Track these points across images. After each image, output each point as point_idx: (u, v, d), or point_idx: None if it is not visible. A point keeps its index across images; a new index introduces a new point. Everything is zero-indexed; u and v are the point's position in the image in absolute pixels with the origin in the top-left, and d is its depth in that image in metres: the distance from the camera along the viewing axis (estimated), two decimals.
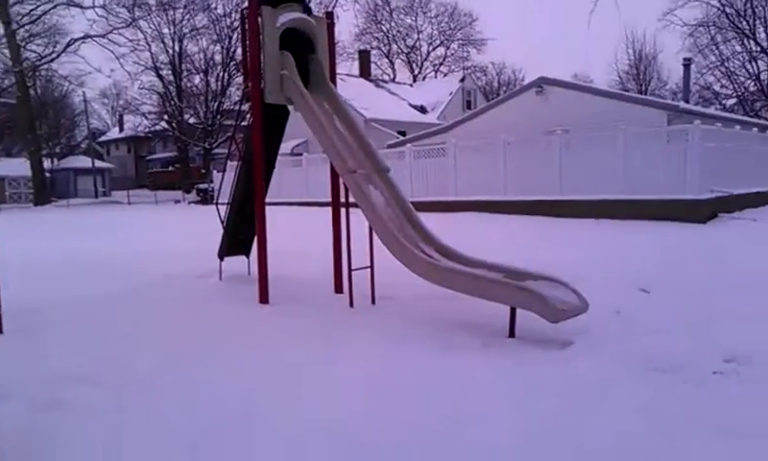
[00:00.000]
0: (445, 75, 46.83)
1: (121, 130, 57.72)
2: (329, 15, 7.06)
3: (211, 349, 4.77)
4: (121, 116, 56.81)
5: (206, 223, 14.82)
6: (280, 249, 7.09)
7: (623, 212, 12.67)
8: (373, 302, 6.22)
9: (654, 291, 6.40)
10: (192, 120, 35.88)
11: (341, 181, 7.08)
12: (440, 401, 3.60)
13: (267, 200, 6.56)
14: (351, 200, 6.11)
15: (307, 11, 6.71)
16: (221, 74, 34.83)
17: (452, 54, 50.56)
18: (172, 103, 37.21)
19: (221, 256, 7.55)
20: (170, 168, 48.32)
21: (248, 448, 3.07)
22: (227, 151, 33.94)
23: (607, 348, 4.41)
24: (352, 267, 6.18)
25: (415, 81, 45.20)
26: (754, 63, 37.81)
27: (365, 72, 36.11)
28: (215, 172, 25.81)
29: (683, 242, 10.08)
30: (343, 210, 6.52)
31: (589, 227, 12.15)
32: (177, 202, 32.40)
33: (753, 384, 3.66)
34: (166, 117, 38.37)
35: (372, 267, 6.23)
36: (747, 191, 14.07)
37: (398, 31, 49.13)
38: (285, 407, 3.55)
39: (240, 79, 36.81)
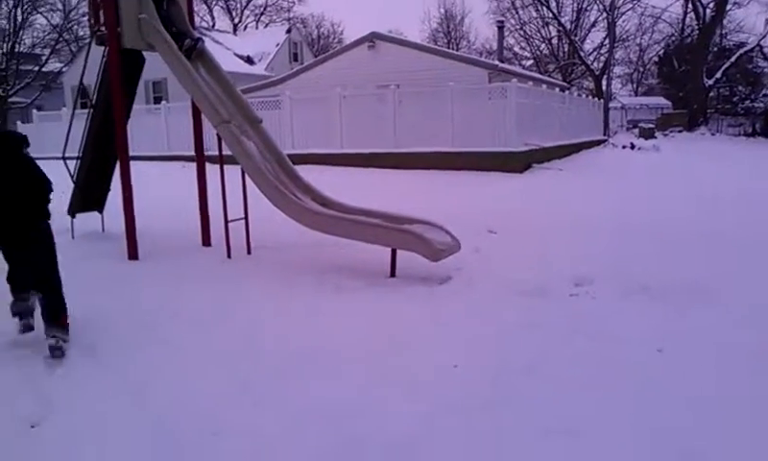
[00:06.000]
0: (267, 25, 45.65)
1: None
2: None
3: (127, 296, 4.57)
4: None
5: None
6: (136, 205, 6.76)
7: (452, 163, 13.74)
8: (249, 252, 6.28)
9: (499, 232, 7.25)
10: None
11: (205, 131, 6.96)
12: (359, 333, 3.92)
13: None
14: (225, 153, 6.02)
15: None
16: (12, 12, 30.36)
17: (273, 3, 49.23)
18: None
19: (72, 214, 6.99)
20: None
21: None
22: (29, 100, 30.11)
23: (480, 280, 5.04)
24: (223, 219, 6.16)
25: (235, 30, 43.37)
26: (546, 28, 42.28)
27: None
28: (19, 123, 22.75)
29: (508, 189, 11.32)
30: (214, 163, 6.39)
31: (426, 177, 13.04)
32: None
33: (601, 300, 4.53)
34: None
35: (246, 218, 6.27)
36: (552, 144, 15.99)
37: None
38: (219, 356, 3.63)
39: (42, 20, 32.60)
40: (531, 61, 43.89)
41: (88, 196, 6.94)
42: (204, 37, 6.66)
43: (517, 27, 42.20)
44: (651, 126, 27.77)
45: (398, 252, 5.33)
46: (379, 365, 3.43)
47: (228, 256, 6.12)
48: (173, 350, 3.70)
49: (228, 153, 5.87)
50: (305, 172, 6.58)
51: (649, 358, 3.42)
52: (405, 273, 5.34)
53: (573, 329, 3.83)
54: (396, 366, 3.40)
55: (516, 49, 43.98)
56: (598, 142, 22.06)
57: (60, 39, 33.57)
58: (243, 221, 6.22)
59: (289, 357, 3.55)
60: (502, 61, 23.39)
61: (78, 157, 6.80)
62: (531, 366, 3.30)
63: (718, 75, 31.19)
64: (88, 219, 7.24)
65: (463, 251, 5.62)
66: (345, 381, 3.23)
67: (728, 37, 36.99)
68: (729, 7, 32.03)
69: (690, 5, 35.29)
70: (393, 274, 5.35)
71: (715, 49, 34.65)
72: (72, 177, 6.83)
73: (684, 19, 39.08)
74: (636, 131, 27.62)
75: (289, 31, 33.80)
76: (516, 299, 4.53)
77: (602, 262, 5.55)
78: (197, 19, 41.98)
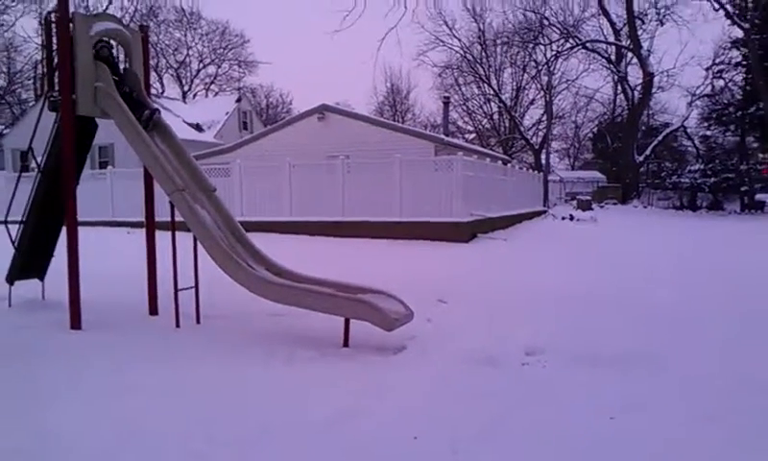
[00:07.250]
0: (216, 94, 46.09)
1: None
2: (143, 28, 6.83)
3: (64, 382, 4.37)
4: None
5: None
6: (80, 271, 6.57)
7: (400, 233, 13.97)
8: (198, 321, 6.16)
9: (449, 301, 7.37)
10: None
11: (156, 198, 6.90)
12: (308, 406, 3.87)
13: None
14: (177, 219, 5.98)
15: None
16: None
17: (224, 73, 49.92)
18: None
19: (10, 281, 6.71)
20: None
21: None
22: None
23: (434, 349, 5.10)
24: (171, 287, 6.04)
25: (185, 98, 43.56)
26: (488, 104, 44.28)
27: None
28: None
29: (455, 259, 11.56)
30: (162, 230, 6.32)
31: (374, 246, 13.18)
32: None
33: (552, 368, 4.64)
34: None
35: (196, 286, 6.17)
36: (496, 215, 16.51)
37: (167, 44, 46.97)
38: (154, 439, 3.51)
39: None
40: (474, 135, 45.65)
41: (30, 262, 6.70)
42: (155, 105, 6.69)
43: (461, 102, 44.12)
44: (588, 198, 29.08)
45: (352, 321, 5.35)
46: (336, 437, 3.39)
47: (177, 326, 5.98)
48: (120, 425, 3.55)
49: (180, 219, 5.84)
50: (255, 240, 6.57)
51: (602, 426, 3.52)
52: (359, 342, 5.34)
53: (526, 398, 3.91)
54: (354, 438, 3.37)
55: (460, 123, 45.85)
56: (539, 213, 22.90)
57: (2, 102, 32.87)
58: (192, 289, 6.12)
59: (243, 432, 3.47)
60: (447, 135, 24.24)
61: (21, 222, 6.60)
62: (488, 434, 3.34)
63: (647, 152, 33.20)
64: (27, 286, 6.96)
65: (415, 320, 5.67)
66: (303, 456, 3.18)
67: (654, 117, 39.72)
68: (654, 90, 34.49)
69: (620, 87, 37.83)
70: (346, 343, 5.34)
71: (644, 128, 37.00)
72: (13, 242, 6.60)
73: (614, 100, 41.88)
74: (575, 202, 28.83)
75: (239, 100, 34.18)
76: (469, 368, 4.59)
77: (551, 331, 5.71)
78: None
